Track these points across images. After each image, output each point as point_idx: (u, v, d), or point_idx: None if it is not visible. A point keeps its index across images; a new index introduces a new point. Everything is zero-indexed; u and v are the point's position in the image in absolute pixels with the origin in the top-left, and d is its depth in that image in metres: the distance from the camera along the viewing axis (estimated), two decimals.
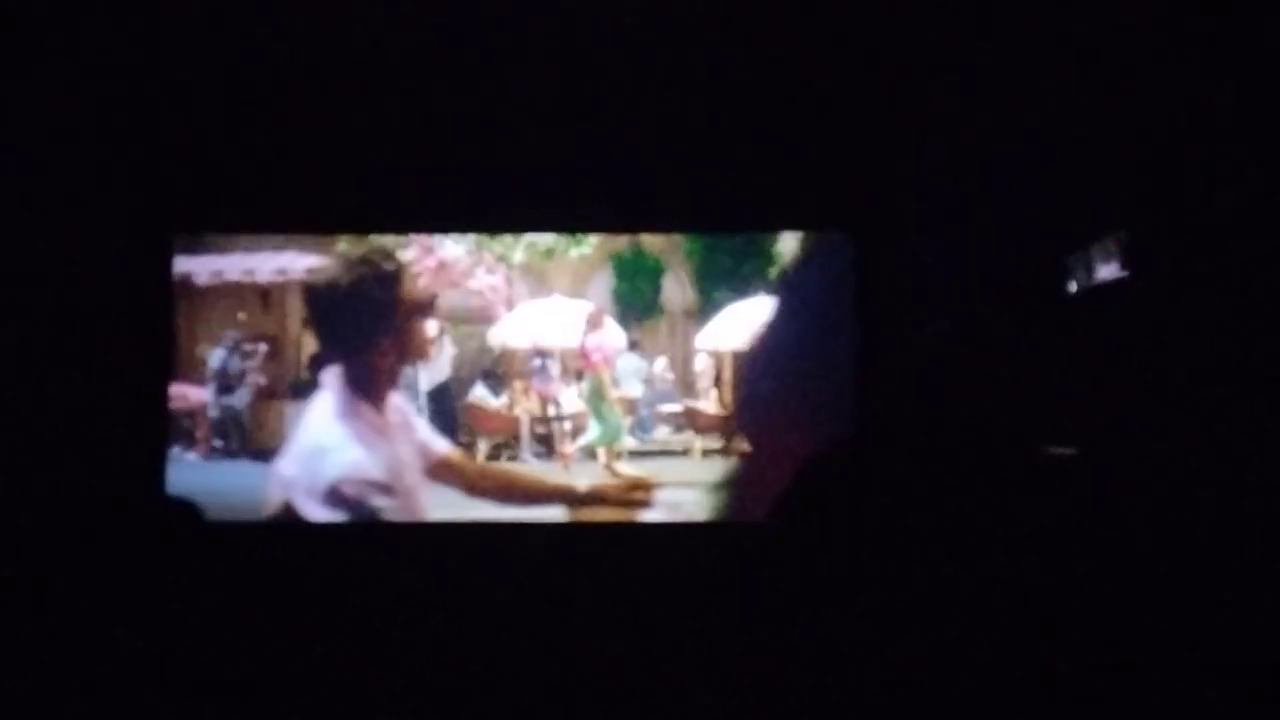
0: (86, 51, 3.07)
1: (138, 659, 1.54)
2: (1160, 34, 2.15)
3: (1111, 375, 2.20)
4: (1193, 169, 2.06)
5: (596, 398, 7.17)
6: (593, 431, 8.01)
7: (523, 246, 3.99)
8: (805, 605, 1.43)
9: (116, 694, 1.45)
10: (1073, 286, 2.34)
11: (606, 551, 3.17)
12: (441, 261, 3.80)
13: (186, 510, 2.73)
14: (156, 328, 3.48)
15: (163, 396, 3.51)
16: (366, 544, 3.33)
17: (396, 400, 3.84)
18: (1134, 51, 2.24)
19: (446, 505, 3.62)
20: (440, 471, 3.77)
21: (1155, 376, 2.07)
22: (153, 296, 3.48)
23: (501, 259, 4.04)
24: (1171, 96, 2.12)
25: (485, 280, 4.02)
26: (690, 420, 4.89)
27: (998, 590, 1.40)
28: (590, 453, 8.31)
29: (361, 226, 3.67)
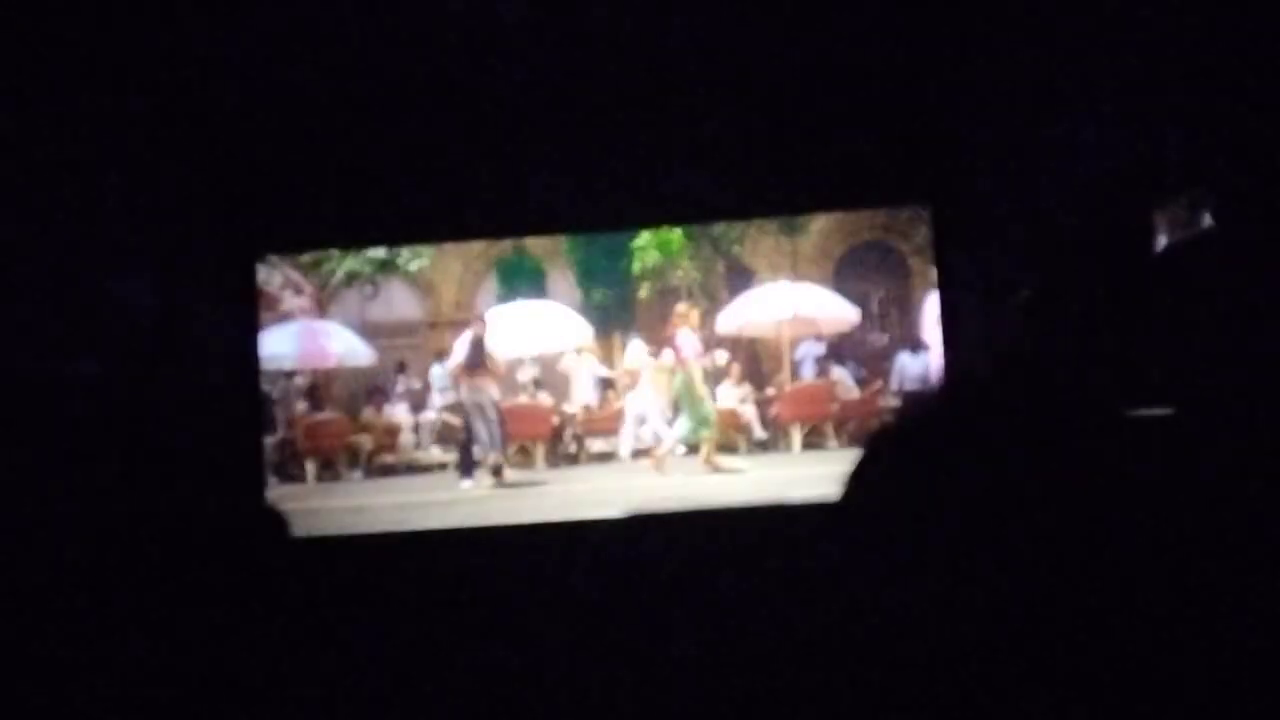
0: (169, 68, 3.16)
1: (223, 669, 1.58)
2: None
3: (1205, 331, 2.10)
4: None
5: (687, 391, 7.19)
6: (682, 425, 7.99)
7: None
8: (882, 583, 1.38)
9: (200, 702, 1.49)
10: (1161, 240, 2.25)
11: (675, 539, 3.14)
12: None
13: (277, 522, 2.77)
14: (244, 340, 3.57)
15: (254, 407, 3.60)
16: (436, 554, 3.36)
17: None
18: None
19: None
20: None
21: (1251, 331, 1.96)
22: (240, 311, 3.58)
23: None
24: (1257, 37, 2.01)
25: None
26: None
27: (1088, 564, 1.32)
28: (692, 449, 8.33)
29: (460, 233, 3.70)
